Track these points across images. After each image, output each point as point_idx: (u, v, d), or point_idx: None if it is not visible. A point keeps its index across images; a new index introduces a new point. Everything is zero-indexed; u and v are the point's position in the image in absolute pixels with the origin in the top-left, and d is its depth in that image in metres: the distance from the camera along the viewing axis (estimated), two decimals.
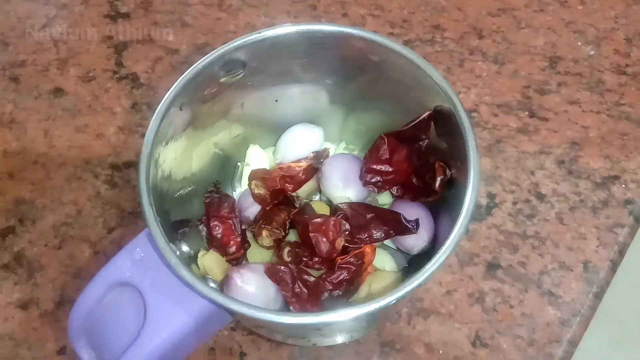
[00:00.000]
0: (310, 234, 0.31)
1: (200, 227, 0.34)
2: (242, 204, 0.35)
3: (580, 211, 0.40)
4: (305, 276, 0.31)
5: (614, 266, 0.38)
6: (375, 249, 0.33)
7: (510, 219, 0.40)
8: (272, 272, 0.31)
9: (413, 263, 0.35)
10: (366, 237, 0.32)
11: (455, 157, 0.30)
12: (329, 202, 0.36)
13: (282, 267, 0.31)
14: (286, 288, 0.31)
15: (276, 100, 0.36)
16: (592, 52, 0.47)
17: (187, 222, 0.33)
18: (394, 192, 0.35)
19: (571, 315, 0.37)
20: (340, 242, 0.32)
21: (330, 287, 0.31)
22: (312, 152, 0.36)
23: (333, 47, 0.32)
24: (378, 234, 0.32)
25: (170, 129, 0.30)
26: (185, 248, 0.32)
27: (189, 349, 0.32)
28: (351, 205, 0.33)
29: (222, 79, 0.32)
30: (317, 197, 0.37)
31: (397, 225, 0.32)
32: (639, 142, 0.42)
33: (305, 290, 0.31)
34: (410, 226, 0.32)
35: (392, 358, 0.36)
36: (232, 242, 0.33)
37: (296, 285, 0.31)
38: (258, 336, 0.36)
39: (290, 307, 0.30)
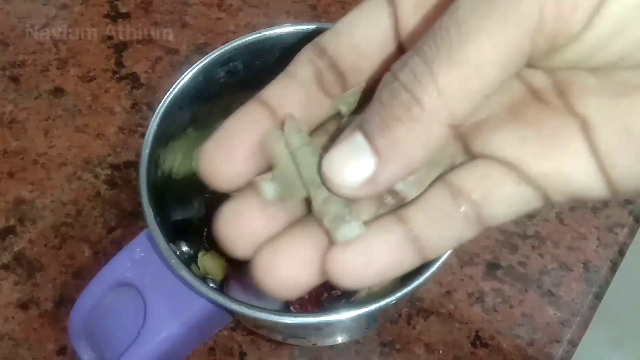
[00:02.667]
0: None
1: (201, 227, 0.34)
2: None
3: (580, 211, 0.40)
4: None
5: (614, 266, 0.38)
6: None
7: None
8: None
9: None
10: None
11: None
12: None
13: None
14: None
15: None
16: None
17: (187, 222, 0.33)
18: None
19: (571, 315, 0.37)
20: None
21: (329, 286, 0.31)
22: None
23: None
24: None
25: (170, 129, 0.30)
26: (185, 248, 0.32)
27: (189, 349, 0.32)
28: None
29: (222, 79, 0.32)
30: None
31: None
32: None
33: None
34: None
35: (392, 358, 0.36)
36: None
37: None
38: (258, 336, 0.36)
39: (291, 309, 0.30)
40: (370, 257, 0.15)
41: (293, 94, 0.16)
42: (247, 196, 0.16)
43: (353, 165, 0.15)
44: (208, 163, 0.16)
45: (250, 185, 0.16)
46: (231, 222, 0.16)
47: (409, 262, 0.15)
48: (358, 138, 0.15)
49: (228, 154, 0.16)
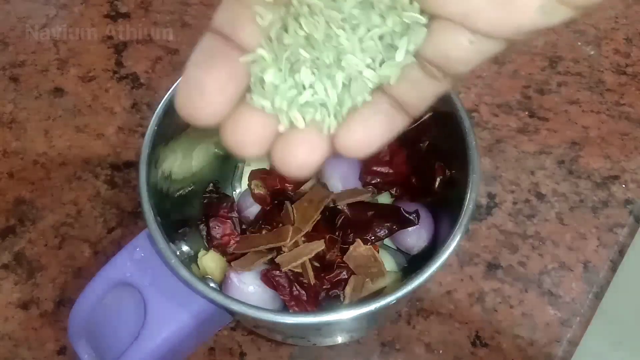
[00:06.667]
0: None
1: (201, 227, 0.34)
2: (242, 204, 0.35)
3: (580, 211, 0.40)
4: (302, 278, 0.31)
5: (614, 266, 0.38)
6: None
7: (510, 219, 0.40)
8: (268, 278, 0.31)
9: (413, 263, 0.35)
10: (371, 236, 0.32)
11: (456, 157, 0.30)
12: (329, 202, 0.36)
13: (277, 272, 0.31)
14: (284, 292, 0.31)
15: None
16: (592, 52, 0.47)
17: (187, 222, 0.33)
18: (393, 192, 0.35)
19: (571, 315, 0.37)
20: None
21: (329, 286, 0.31)
22: None
23: None
24: (382, 232, 0.32)
25: (170, 129, 0.30)
26: (185, 248, 0.32)
27: (189, 349, 0.32)
28: (351, 205, 0.33)
29: None
30: None
31: (398, 219, 0.32)
32: (639, 142, 0.42)
33: (303, 292, 0.31)
34: (411, 218, 0.32)
35: (392, 358, 0.36)
36: (232, 242, 0.33)
37: (294, 288, 0.31)
38: (258, 336, 0.36)
39: (290, 310, 0.30)
40: (368, 125, 0.18)
41: (241, 14, 0.18)
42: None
43: None
44: (185, 104, 0.18)
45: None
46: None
47: (399, 123, 0.18)
48: None
49: (201, 93, 0.17)
